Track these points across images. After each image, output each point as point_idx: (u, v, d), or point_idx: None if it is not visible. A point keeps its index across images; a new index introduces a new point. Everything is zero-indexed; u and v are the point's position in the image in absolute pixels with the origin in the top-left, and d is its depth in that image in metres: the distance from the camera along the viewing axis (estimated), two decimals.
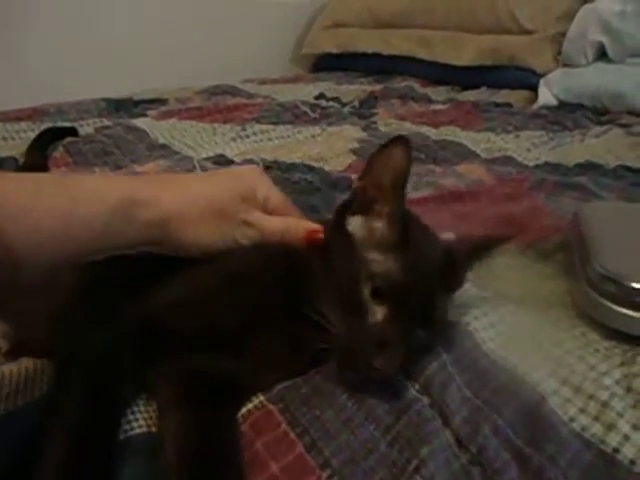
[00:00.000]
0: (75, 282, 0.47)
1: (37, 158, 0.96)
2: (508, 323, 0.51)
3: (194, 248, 0.46)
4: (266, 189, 0.50)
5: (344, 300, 0.42)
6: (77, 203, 0.41)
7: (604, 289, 0.51)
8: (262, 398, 0.43)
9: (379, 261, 0.42)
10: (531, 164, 1.00)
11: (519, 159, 1.02)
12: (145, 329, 0.43)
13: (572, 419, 0.42)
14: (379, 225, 0.45)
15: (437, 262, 0.44)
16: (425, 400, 0.41)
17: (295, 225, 0.48)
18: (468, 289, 0.58)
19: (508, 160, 1.01)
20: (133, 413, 0.43)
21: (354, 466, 0.38)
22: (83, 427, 0.37)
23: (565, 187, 0.85)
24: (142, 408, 0.43)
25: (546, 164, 0.99)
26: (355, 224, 0.45)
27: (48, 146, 1.02)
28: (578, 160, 1.00)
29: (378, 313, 0.41)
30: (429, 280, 0.43)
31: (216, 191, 0.47)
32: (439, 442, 0.39)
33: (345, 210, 0.46)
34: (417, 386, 0.43)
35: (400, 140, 0.43)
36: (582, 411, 0.43)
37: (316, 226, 0.48)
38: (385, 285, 0.41)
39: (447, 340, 0.48)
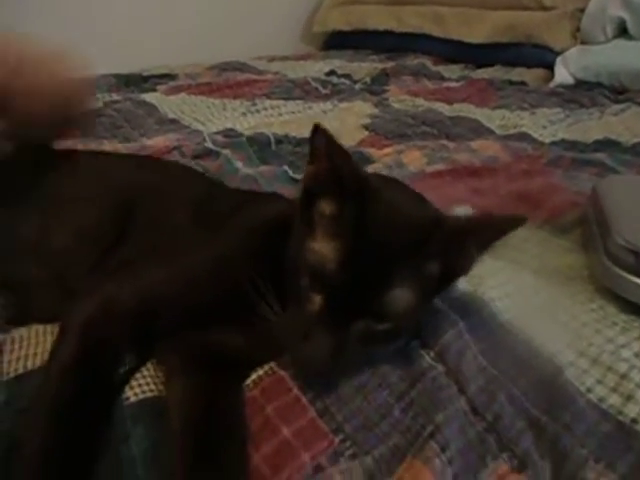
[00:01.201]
0: None
1: None
2: (525, 294, 0.50)
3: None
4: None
5: (290, 288, 0.41)
6: None
7: (623, 261, 0.50)
8: (272, 364, 0.43)
9: (319, 250, 0.39)
10: (547, 141, 0.98)
11: (535, 135, 0.99)
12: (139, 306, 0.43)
13: (589, 390, 0.41)
14: (330, 209, 0.40)
15: (405, 249, 0.38)
16: (440, 368, 0.41)
17: None
18: (483, 260, 0.57)
19: (524, 136, 0.98)
20: (144, 377, 0.43)
21: (367, 431, 0.37)
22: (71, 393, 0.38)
23: (583, 163, 0.83)
24: (153, 373, 0.43)
25: (563, 141, 0.97)
26: (315, 209, 0.41)
27: None
28: (596, 137, 0.98)
29: (315, 303, 0.38)
30: (382, 270, 0.37)
31: None
32: (454, 409, 0.38)
33: (304, 197, 0.43)
34: (432, 354, 0.42)
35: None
36: (599, 382, 0.42)
37: None
38: (320, 275, 0.38)
39: (462, 309, 0.47)
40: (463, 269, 0.43)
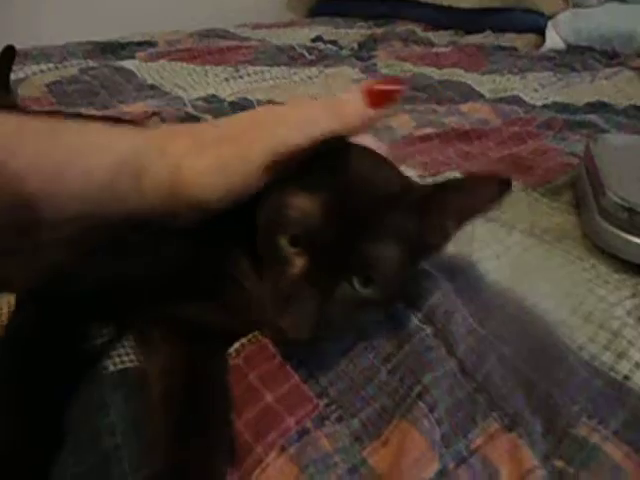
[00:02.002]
0: None
1: (3, 92, 0.90)
2: (514, 254, 0.49)
3: (213, 203, 0.36)
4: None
5: (264, 251, 0.36)
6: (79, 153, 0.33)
7: (617, 218, 0.49)
8: (255, 332, 0.41)
9: (301, 205, 0.35)
10: (539, 104, 0.95)
11: (526, 99, 0.97)
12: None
13: (581, 348, 0.40)
14: (304, 166, 0.36)
15: (382, 206, 0.36)
16: (428, 329, 0.39)
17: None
18: (474, 223, 0.55)
19: (514, 100, 0.96)
20: (124, 348, 0.41)
21: (353, 394, 0.36)
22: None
23: (575, 125, 0.81)
24: (133, 344, 0.41)
25: (554, 104, 0.95)
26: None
27: (8, 78, 0.94)
28: (588, 99, 0.96)
29: (297, 265, 0.35)
30: (363, 225, 0.35)
31: (234, 120, 0.37)
32: (443, 370, 0.37)
33: None
34: (420, 315, 0.41)
35: None
36: (591, 340, 0.41)
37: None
38: (303, 232, 0.34)
39: (450, 270, 0.45)
40: (438, 243, 0.39)
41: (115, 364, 0.39)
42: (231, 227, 0.39)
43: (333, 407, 0.35)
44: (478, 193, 0.36)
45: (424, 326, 0.40)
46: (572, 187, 0.63)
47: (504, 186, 0.36)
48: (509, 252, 0.49)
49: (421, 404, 0.34)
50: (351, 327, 0.38)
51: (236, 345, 0.41)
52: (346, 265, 0.35)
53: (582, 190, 0.57)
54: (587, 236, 0.52)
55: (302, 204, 0.35)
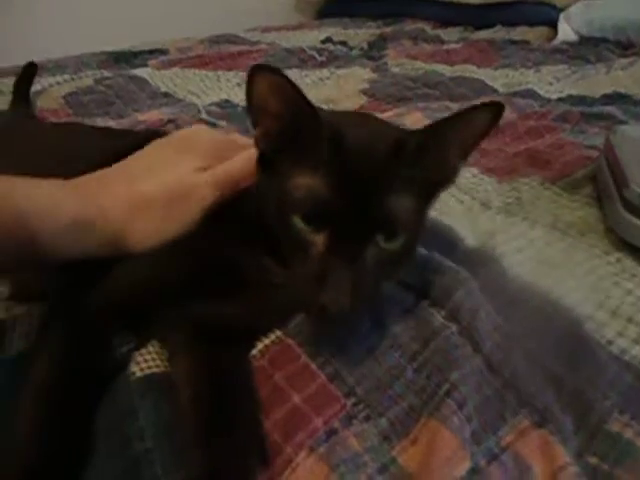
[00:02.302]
0: None
1: (22, 106, 0.92)
2: (537, 248, 0.49)
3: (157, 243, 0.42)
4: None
5: (284, 241, 0.37)
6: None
7: None
8: (279, 332, 0.41)
9: (306, 184, 0.35)
10: (554, 97, 0.94)
11: (541, 92, 0.96)
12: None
13: (610, 342, 0.39)
14: (297, 149, 0.37)
15: (385, 160, 0.36)
16: (454, 327, 0.39)
17: (249, 154, 0.42)
18: (494, 218, 0.55)
19: (529, 93, 0.95)
20: (150, 353, 0.41)
21: (380, 393, 0.36)
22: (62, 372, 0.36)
23: (592, 117, 0.80)
24: (158, 349, 0.42)
25: (570, 97, 0.93)
26: (277, 159, 0.38)
27: (29, 92, 0.97)
28: (604, 91, 0.94)
29: (318, 243, 0.35)
30: (372, 184, 0.35)
31: (163, 186, 0.42)
32: (470, 367, 0.36)
33: (262, 161, 0.40)
34: (444, 313, 0.40)
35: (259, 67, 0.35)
36: (620, 334, 0.40)
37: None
38: (316, 209, 0.35)
39: (472, 266, 0.45)
40: (447, 179, 0.39)
41: (142, 369, 0.40)
42: (248, 228, 0.40)
43: (360, 406, 0.35)
44: (474, 122, 0.36)
45: (449, 324, 0.39)
46: (592, 180, 0.62)
47: (497, 110, 0.36)
48: (532, 246, 0.49)
49: (450, 402, 0.34)
50: (381, 290, 0.38)
51: (260, 346, 0.41)
52: (367, 226, 0.35)
53: (603, 183, 0.56)
54: (611, 229, 0.51)
55: (304, 181, 0.36)
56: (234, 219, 0.41)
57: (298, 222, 0.35)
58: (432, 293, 0.42)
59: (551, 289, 0.43)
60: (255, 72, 0.36)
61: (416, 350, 0.38)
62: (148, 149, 0.45)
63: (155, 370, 0.40)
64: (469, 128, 0.37)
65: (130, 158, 0.44)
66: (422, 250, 0.48)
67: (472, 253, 0.47)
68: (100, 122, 0.92)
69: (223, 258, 0.41)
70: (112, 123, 0.89)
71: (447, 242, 0.49)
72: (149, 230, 0.41)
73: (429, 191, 0.39)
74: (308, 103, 0.35)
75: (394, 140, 0.36)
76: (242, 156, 0.43)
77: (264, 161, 0.40)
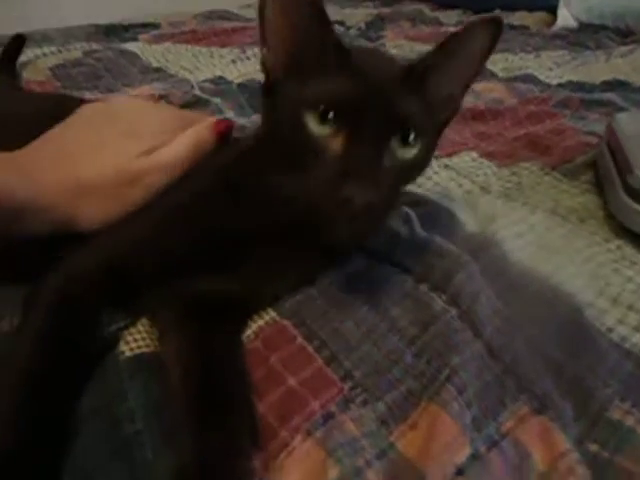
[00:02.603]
0: None
1: (8, 77, 0.88)
2: (537, 233, 0.48)
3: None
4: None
5: (294, 153, 0.35)
6: None
7: None
8: (273, 314, 0.40)
9: (317, 86, 0.35)
10: (554, 82, 0.93)
11: (541, 77, 0.95)
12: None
13: (610, 330, 0.39)
14: (306, 61, 0.36)
15: (396, 73, 0.37)
16: (454, 311, 0.38)
17: (195, 132, 0.43)
18: (494, 202, 0.54)
19: (529, 78, 0.93)
20: (139, 332, 0.40)
21: (378, 377, 0.35)
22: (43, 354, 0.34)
23: (592, 104, 0.79)
24: (149, 329, 0.40)
25: (570, 82, 0.92)
26: (285, 81, 0.37)
27: (15, 62, 0.93)
28: (604, 78, 0.93)
29: (334, 144, 0.34)
30: (389, 91, 0.35)
31: (108, 173, 0.40)
32: (470, 352, 0.36)
33: (268, 85, 0.39)
34: (444, 297, 0.39)
35: None
36: (621, 322, 0.40)
37: (212, 118, 0.44)
38: (330, 105, 0.34)
39: (473, 250, 0.44)
40: (453, 102, 0.40)
41: (132, 349, 0.38)
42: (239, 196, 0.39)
43: (358, 390, 0.34)
44: (474, 39, 0.37)
45: (449, 308, 0.39)
46: (592, 167, 0.61)
47: (496, 25, 0.36)
48: (532, 231, 0.48)
49: (450, 387, 0.33)
50: (399, 198, 0.38)
51: (254, 327, 0.40)
52: (383, 127, 0.34)
53: (605, 168, 0.55)
54: (613, 216, 0.51)
55: (323, 83, 0.35)
56: (234, 184, 0.40)
57: (314, 125, 0.34)
58: (432, 276, 0.41)
59: (551, 275, 0.43)
60: None
61: (415, 334, 0.37)
62: (83, 122, 0.43)
63: (145, 350, 0.38)
64: (470, 45, 0.37)
65: (63, 130, 0.42)
66: (422, 232, 0.47)
67: (472, 237, 0.46)
68: (89, 96, 0.89)
69: (224, 227, 0.40)
70: (101, 98, 0.86)
71: (447, 225, 0.48)
72: (98, 213, 0.40)
73: (437, 114, 0.39)
74: (326, 18, 0.35)
75: (403, 62, 0.38)
76: (188, 135, 0.42)
77: (269, 86, 0.38)
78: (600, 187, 0.57)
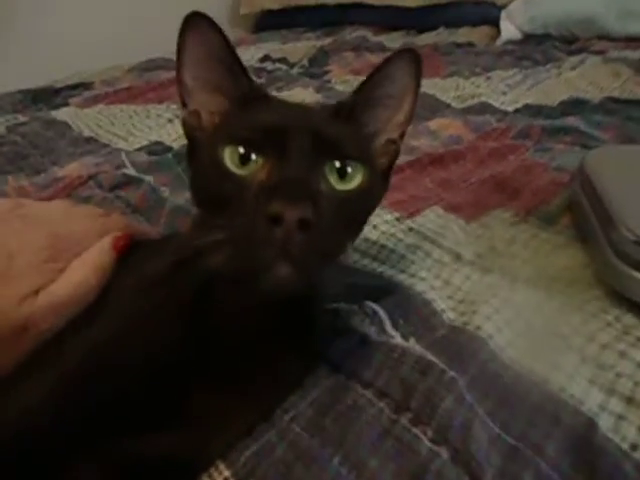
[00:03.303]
0: None
1: None
2: (525, 318, 0.41)
3: None
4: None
5: (222, 202, 0.32)
6: None
7: (635, 259, 0.41)
8: (227, 473, 0.32)
9: (238, 122, 0.34)
10: (510, 109, 0.89)
11: (496, 104, 0.90)
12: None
13: (634, 446, 0.32)
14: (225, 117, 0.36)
15: (319, 107, 0.39)
16: (444, 453, 0.31)
17: (91, 256, 0.37)
18: (470, 275, 0.48)
19: (484, 107, 0.89)
20: None
21: None
22: None
23: (554, 132, 0.74)
24: None
25: (527, 107, 0.88)
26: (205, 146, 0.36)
27: None
28: (561, 97, 0.89)
29: (260, 176, 0.32)
30: (314, 115, 0.36)
31: None
32: None
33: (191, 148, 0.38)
34: (430, 432, 0.32)
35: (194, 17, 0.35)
36: None
37: (112, 234, 0.39)
38: (254, 135, 0.33)
39: (455, 355, 0.37)
40: (391, 151, 0.40)
41: None
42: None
43: None
44: (395, 72, 0.36)
45: (439, 449, 0.31)
46: (568, 210, 0.56)
47: (413, 56, 0.37)
48: (519, 316, 0.41)
49: None
50: (343, 250, 0.34)
51: None
52: (312, 152, 0.32)
53: (584, 218, 0.50)
54: (601, 279, 0.45)
55: (243, 120, 0.34)
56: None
57: (235, 163, 0.32)
58: (413, 403, 0.34)
59: (549, 376, 0.36)
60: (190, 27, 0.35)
61: None
62: None
63: None
64: (392, 78, 0.37)
65: None
66: (394, 335, 0.40)
67: (454, 335, 0.40)
68: (11, 181, 0.80)
69: (160, 360, 0.33)
70: (25, 183, 0.77)
71: (423, 320, 0.42)
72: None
73: (376, 158, 0.38)
74: (242, 69, 0.36)
75: (331, 104, 0.38)
76: (83, 262, 0.36)
77: (193, 148, 0.37)
78: (581, 234, 0.51)
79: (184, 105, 0.37)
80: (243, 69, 0.36)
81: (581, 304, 0.43)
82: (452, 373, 0.35)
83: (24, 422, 0.31)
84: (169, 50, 1.49)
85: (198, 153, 0.36)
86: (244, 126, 0.34)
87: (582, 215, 0.50)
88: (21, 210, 0.38)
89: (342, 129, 0.35)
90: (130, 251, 0.39)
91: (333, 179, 0.33)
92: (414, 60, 0.36)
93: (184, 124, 0.37)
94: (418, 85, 0.37)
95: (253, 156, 0.32)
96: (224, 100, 0.36)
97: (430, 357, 0.37)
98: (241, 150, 0.33)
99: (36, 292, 0.33)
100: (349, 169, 0.34)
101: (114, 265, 0.37)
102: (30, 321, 0.33)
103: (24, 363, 0.33)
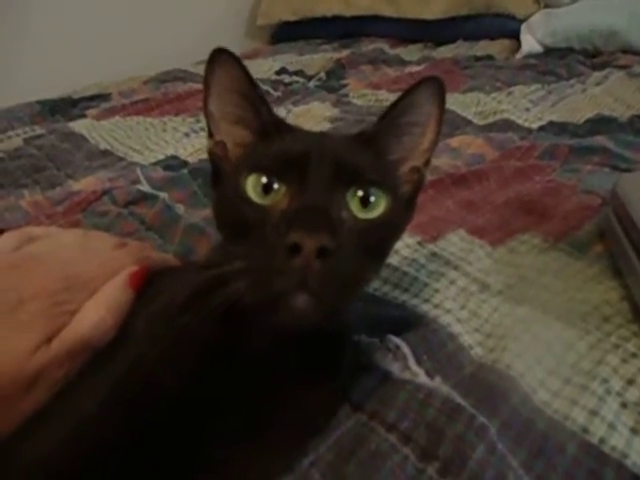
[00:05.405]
0: None
1: None
2: (557, 356, 0.39)
3: None
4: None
5: (244, 233, 0.32)
6: None
7: None
8: None
9: (261, 152, 0.34)
10: (534, 126, 0.86)
11: (519, 121, 0.88)
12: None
13: None
14: (247, 143, 0.36)
15: (339, 134, 0.38)
16: None
17: (104, 296, 0.35)
18: (498, 307, 0.45)
19: (507, 124, 0.87)
20: None
21: None
22: None
23: (582, 152, 0.72)
24: None
25: (551, 124, 0.86)
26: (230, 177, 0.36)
27: None
28: (587, 115, 0.87)
29: (281, 205, 0.32)
30: (335, 143, 0.35)
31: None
32: None
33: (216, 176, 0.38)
34: None
35: (219, 53, 0.35)
36: None
37: (128, 270, 0.37)
38: (275, 164, 0.33)
39: (485, 397, 0.35)
40: (415, 179, 0.39)
41: None
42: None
43: None
44: (418, 100, 0.36)
45: None
46: (599, 237, 0.53)
47: (437, 83, 0.36)
48: (550, 353, 0.39)
49: None
50: (374, 267, 0.35)
51: None
52: (332, 179, 0.32)
53: (619, 248, 0.47)
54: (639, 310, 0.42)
55: (265, 149, 0.34)
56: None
57: (256, 186, 0.32)
58: (441, 451, 0.32)
59: (588, 422, 0.34)
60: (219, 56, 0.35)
61: None
62: None
63: None
64: (417, 105, 0.36)
65: None
66: (420, 373, 0.38)
67: (483, 374, 0.37)
68: (27, 194, 0.80)
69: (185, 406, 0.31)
70: (40, 197, 0.77)
71: (449, 356, 0.39)
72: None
73: (401, 185, 0.38)
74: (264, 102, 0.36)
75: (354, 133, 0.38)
76: (97, 303, 0.34)
77: (217, 177, 0.37)
78: (616, 265, 0.49)
79: (210, 135, 0.38)
80: (264, 101, 0.36)
81: (619, 340, 0.41)
82: (482, 419, 0.33)
83: (43, 469, 0.29)
84: (187, 61, 1.49)
85: (222, 182, 0.37)
86: (266, 155, 0.34)
87: (617, 244, 0.48)
88: (32, 247, 0.37)
89: (364, 156, 0.35)
90: (148, 281, 0.38)
91: (355, 207, 0.33)
92: (438, 88, 0.36)
93: (210, 153, 0.38)
94: (442, 113, 0.37)
95: (275, 185, 0.32)
96: (247, 133, 0.36)
97: (458, 399, 0.34)
98: (264, 179, 0.32)
99: (49, 340, 0.31)
100: (372, 197, 0.33)
101: (131, 301, 0.36)
102: (42, 371, 0.31)
103: (40, 412, 0.31)
